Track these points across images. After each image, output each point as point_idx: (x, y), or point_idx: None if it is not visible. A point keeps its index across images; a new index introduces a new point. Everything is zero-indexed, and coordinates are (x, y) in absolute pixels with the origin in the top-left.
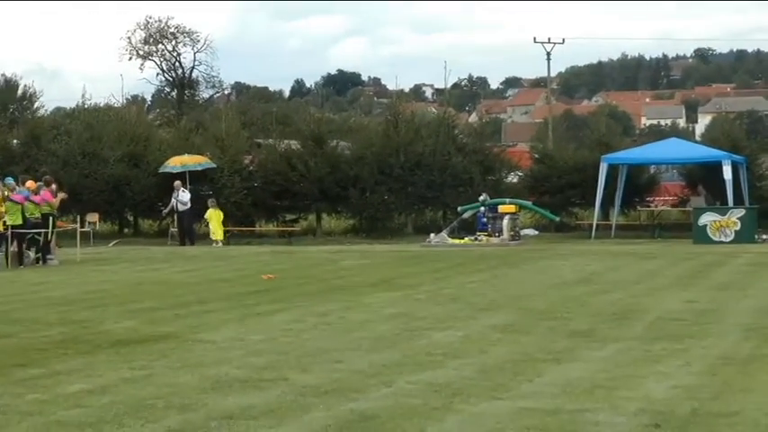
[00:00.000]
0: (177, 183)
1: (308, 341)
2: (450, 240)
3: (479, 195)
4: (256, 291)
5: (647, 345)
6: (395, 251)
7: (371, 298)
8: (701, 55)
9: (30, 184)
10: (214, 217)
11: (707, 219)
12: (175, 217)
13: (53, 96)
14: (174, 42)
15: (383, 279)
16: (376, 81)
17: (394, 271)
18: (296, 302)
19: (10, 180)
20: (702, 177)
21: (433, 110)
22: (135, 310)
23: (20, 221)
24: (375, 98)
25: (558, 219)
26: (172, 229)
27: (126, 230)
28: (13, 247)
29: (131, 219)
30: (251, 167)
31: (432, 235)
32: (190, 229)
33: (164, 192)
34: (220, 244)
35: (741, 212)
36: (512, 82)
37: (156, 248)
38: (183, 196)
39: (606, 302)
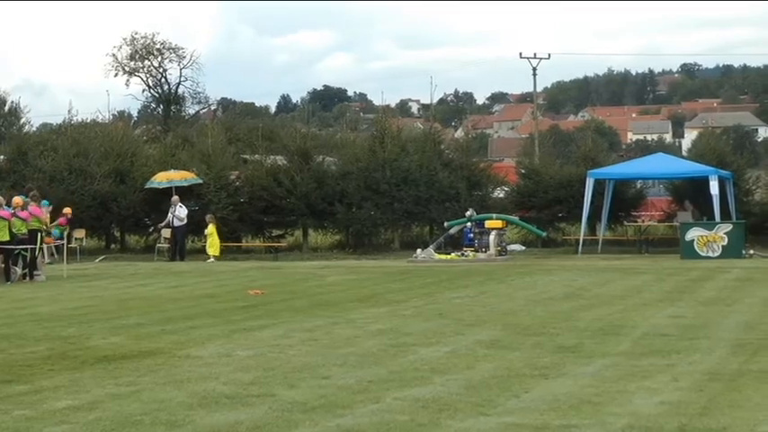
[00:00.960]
0: (175, 198)
1: (295, 357)
2: (437, 256)
3: (466, 211)
4: (243, 306)
5: (635, 360)
6: (381, 267)
7: (358, 314)
8: (688, 70)
9: (17, 200)
10: (214, 232)
11: (694, 234)
12: (165, 232)
13: (41, 112)
14: (159, 58)
15: (370, 295)
16: (362, 96)
17: (381, 286)
18: (283, 318)
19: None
20: (689, 192)
21: (420, 125)
22: (122, 325)
23: (6, 237)
24: (361, 114)
25: (544, 234)
26: (159, 245)
27: (113, 246)
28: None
29: (118, 234)
30: (237, 183)
31: (418, 250)
32: (182, 245)
33: (150, 207)
34: (213, 260)
35: (728, 227)
36: (498, 97)
37: (142, 264)
38: (181, 212)
39: (593, 318)
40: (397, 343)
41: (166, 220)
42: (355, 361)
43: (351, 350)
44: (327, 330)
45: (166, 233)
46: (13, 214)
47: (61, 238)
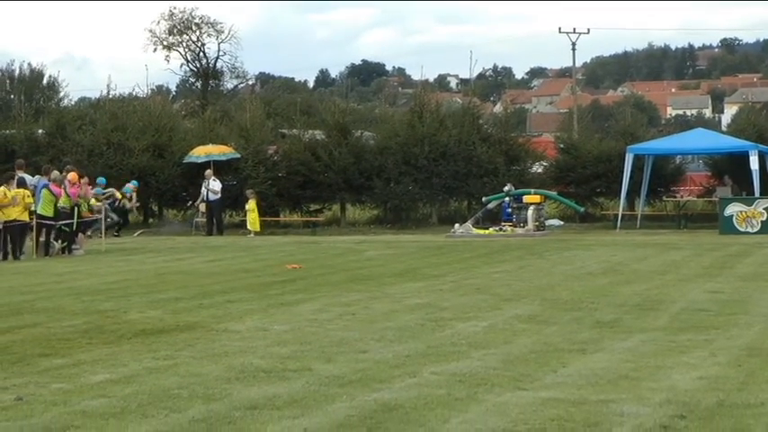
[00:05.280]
0: (208, 172)
1: (333, 331)
2: (475, 231)
3: (504, 186)
4: (281, 281)
5: (673, 335)
6: (419, 242)
7: (396, 288)
8: (728, 45)
9: (72, 176)
10: (255, 208)
11: (733, 209)
12: (202, 207)
13: (81, 86)
14: (198, 33)
15: (407, 269)
16: (400, 71)
17: (418, 261)
18: (320, 292)
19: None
20: (728, 168)
21: (458, 100)
22: (159, 300)
23: (51, 213)
24: (400, 88)
25: (583, 209)
26: (196, 219)
27: (151, 221)
28: (40, 238)
29: (156, 209)
30: (275, 158)
31: (456, 225)
32: (219, 219)
33: (188, 182)
34: (253, 235)
35: None
36: (537, 72)
37: (180, 239)
38: (215, 185)
39: (631, 293)
40: (435, 317)
41: (201, 195)
42: (393, 335)
43: (388, 324)
44: (365, 305)
45: (203, 207)
46: (63, 188)
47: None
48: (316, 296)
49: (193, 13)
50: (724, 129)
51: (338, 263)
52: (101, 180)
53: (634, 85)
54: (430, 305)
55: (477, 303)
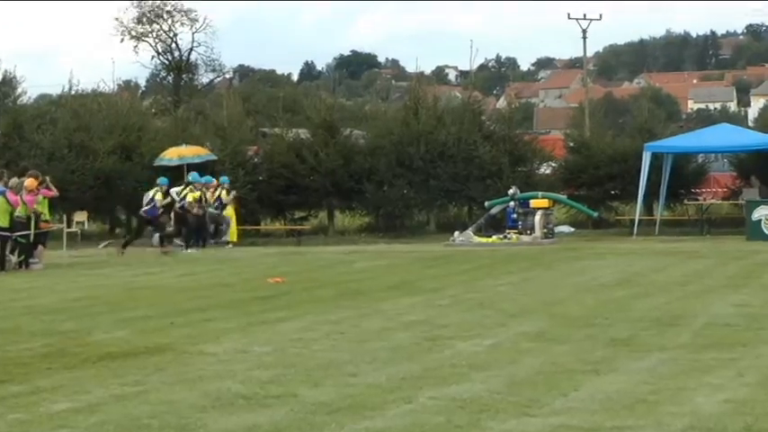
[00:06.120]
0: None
1: (319, 352)
2: (477, 239)
3: (509, 189)
4: (262, 296)
5: (695, 354)
6: (415, 251)
7: (389, 304)
8: (754, 31)
9: (30, 182)
10: (233, 215)
11: (761, 213)
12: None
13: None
14: (170, 22)
15: (402, 282)
16: (394, 63)
17: (414, 273)
18: (306, 309)
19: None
20: (756, 167)
21: (458, 94)
22: (127, 319)
23: (6, 224)
24: (393, 81)
25: (596, 214)
26: (169, 229)
27: (117, 230)
28: None
29: (124, 217)
30: (255, 159)
31: (456, 233)
32: (200, 228)
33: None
34: (231, 246)
35: None
36: (544, 63)
37: (151, 249)
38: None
39: (649, 307)
40: (433, 336)
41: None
42: (386, 357)
43: (381, 344)
44: (355, 323)
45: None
46: (20, 197)
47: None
48: (301, 313)
49: (165, 0)
50: (750, 124)
51: (325, 276)
52: (163, 181)
53: (651, 76)
54: (427, 322)
55: (478, 320)
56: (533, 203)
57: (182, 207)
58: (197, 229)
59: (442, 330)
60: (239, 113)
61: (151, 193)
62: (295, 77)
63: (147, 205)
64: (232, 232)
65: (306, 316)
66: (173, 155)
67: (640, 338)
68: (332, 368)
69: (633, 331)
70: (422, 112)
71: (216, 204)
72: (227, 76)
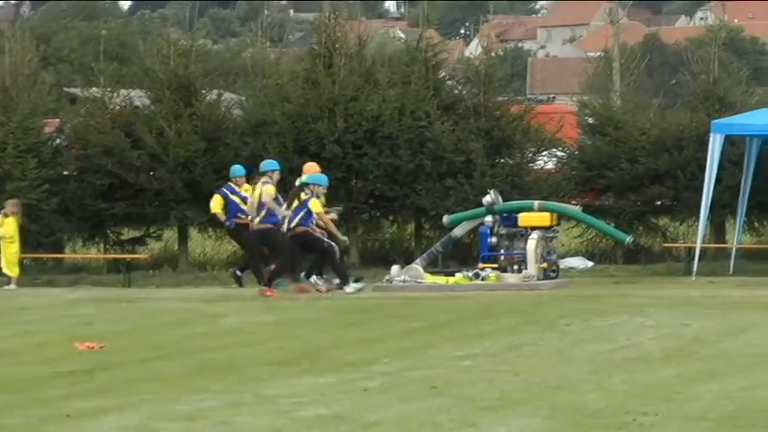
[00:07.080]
0: None
1: None
2: (429, 278)
3: (483, 195)
4: (66, 372)
5: None
6: (326, 298)
7: (280, 386)
8: None
9: None
10: (16, 235)
11: None
12: None
13: None
14: None
15: (303, 352)
16: None
17: (324, 336)
18: (138, 394)
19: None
20: None
21: (400, 33)
22: None
23: None
24: (291, 12)
25: (630, 239)
26: None
27: None
28: None
29: None
30: (58, 141)
31: (394, 268)
32: None
33: None
34: (14, 285)
35: None
36: None
37: None
38: None
39: (719, 395)
40: None
41: None
42: None
43: None
44: (223, 418)
45: None
46: None
47: None
48: (130, 402)
49: None
50: None
51: (173, 339)
52: (239, 170)
53: (725, 5)
54: (343, 419)
55: (431, 415)
56: (524, 220)
57: None
58: None
59: None
60: (32, 64)
61: None
62: (126, 4)
63: None
64: (10, 262)
65: (139, 407)
66: None
67: None
68: None
69: None
70: (339, 65)
71: None
72: (12, 2)
